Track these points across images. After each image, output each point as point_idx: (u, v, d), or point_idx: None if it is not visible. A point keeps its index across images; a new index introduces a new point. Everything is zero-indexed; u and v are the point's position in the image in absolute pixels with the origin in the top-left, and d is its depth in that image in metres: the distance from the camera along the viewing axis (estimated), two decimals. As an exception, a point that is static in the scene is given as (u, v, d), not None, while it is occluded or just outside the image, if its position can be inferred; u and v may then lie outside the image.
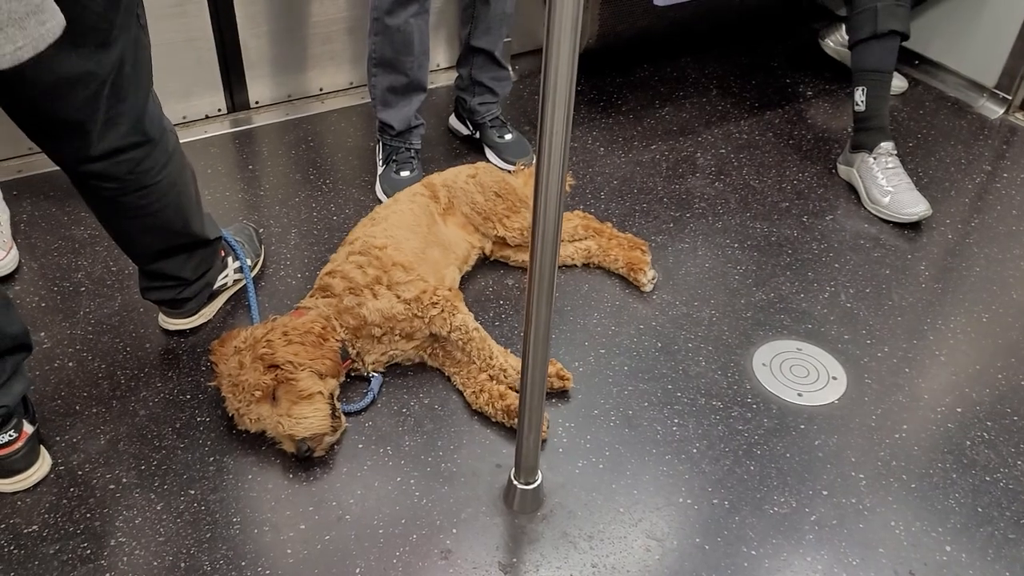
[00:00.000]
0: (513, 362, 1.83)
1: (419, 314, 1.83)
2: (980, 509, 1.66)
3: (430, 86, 2.44)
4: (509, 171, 2.44)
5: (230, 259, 2.03)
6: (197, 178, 1.84)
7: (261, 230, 2.28)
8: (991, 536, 1.61)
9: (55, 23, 1.28)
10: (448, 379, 1.90)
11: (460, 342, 1.84)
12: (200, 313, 1.99)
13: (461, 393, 1.86)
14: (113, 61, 1.47)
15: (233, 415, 1.73)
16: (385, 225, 2.01)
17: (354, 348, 1.85)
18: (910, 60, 3.10)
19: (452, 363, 1.90)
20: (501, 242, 2.19)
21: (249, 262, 2.09)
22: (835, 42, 3.07)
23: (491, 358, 1.83)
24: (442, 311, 1.83)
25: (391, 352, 1.89)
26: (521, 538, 1.59)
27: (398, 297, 1.84)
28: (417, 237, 2.01)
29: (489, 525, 1.61)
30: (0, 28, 1.23)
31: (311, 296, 1.91)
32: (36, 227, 2.30)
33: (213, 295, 2.01)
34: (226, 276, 2.02)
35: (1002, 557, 1.58)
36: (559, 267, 2.20)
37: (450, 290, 1.90)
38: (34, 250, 2.23)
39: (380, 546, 1.57)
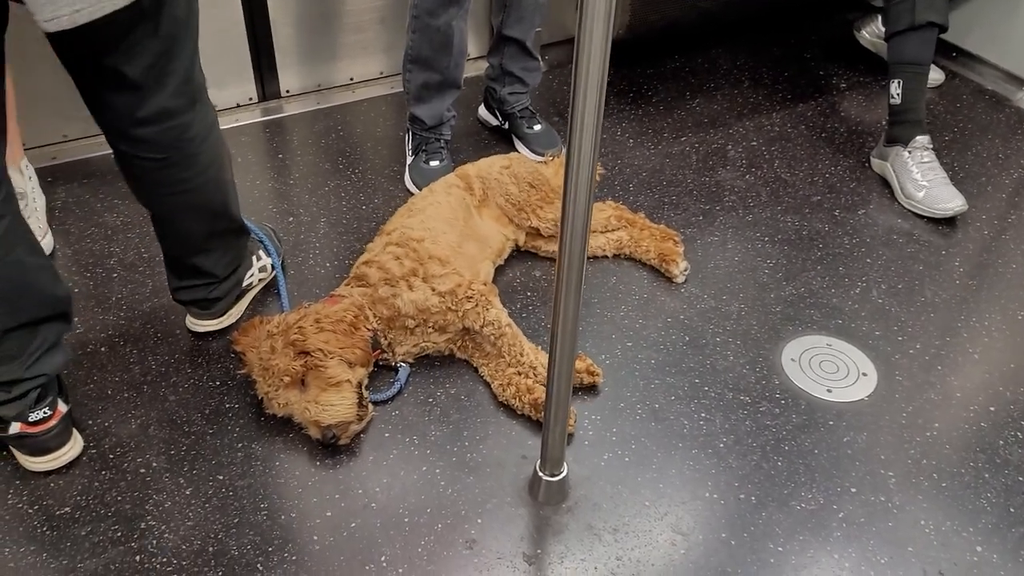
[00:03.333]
0: (543, 359, 1.82)
1: (453, 307, 1.84)
2: (1013, 510, 1.63)
3: (458, 76, 2.44)
4: (539, 162, 2.43)
5: (254, 258, 2.03)
6: (231, 163, 1.85)
7: (284, 229, 2.29)
8: (1023, 537, 1.59)
9: None
10: (475, 370, 1.91)
11: (492, 337, 1.84)
12: (228, 313, 1.99)
13: (487, 384, 1.87)
14: (171, 18, 1.48)
15: (262, 399, 1.75)
16: (422, 217, 2.01)
17: (386, 338, 1.85)
18: (947, 52, 3.04)
19: (481, 355, 1.90)
20: (533, 233, 2.19)
21: (271, 261, 2.09)
22: (871, 33, 3.02)
23: (521, 355, 1.82)
24: (476, 305, 1.84)
25: (423, 344, 1.90)
26: (546, 529, 1.59)
27: (433, 290, 1.84)
28: (454, 230, 2.01)
29: (514, 516, 1.61)
30: None
31: (346, 284, 1.92)
32: (70, 213, 2.33)
33: (241, 294, 2.01)
34: (252, 275, 2.02)
35: (1035, 559, 1.55)
36: (589, 258, 2.20)
37: (485, 284, 1.91)
38: (68, 236, 2.26)
39: (405, 535, 1.58)
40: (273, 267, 2.09)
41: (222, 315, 1.98)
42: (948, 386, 1.89)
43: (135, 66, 1.49)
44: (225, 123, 2.69)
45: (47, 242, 2.18)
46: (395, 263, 1.89)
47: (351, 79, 2.91)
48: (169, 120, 1.59)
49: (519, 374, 1.82)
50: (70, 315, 1.66)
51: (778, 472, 1.70)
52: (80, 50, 1.46)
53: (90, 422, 1.78)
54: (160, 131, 1.59)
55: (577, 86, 1.11)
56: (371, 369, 1.83)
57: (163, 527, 1.59)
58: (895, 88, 2.43)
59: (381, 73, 2.94)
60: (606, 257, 2.23)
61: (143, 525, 1.59)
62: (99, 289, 2.10)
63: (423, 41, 2.27)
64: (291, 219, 2.34)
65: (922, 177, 2.39)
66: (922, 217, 2.38)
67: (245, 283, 2.00)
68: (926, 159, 2.41)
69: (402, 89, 2.45)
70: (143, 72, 1.50)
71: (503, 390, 1.82)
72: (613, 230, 2.23)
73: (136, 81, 1.51)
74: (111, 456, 1.71)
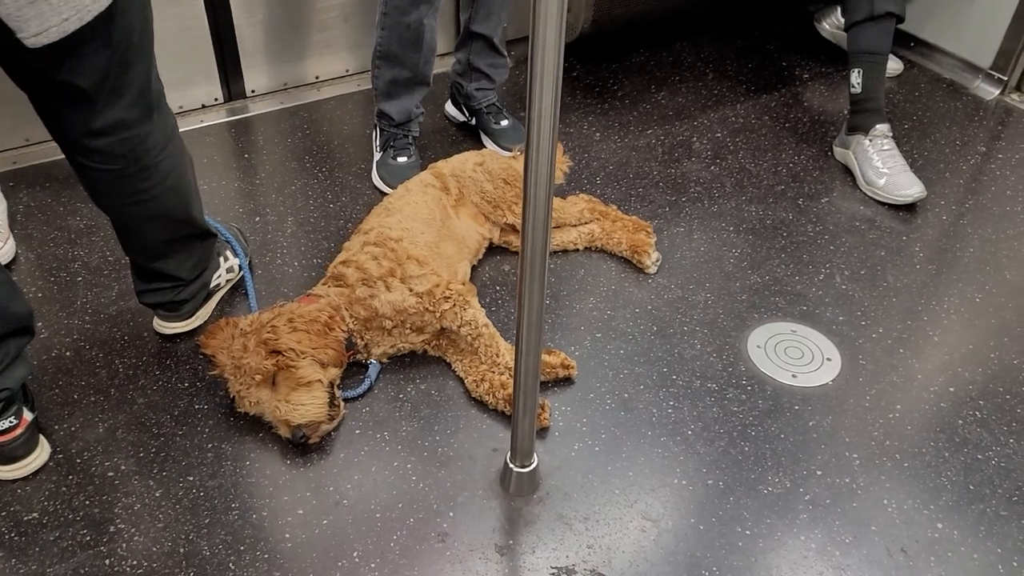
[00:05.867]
0: None
1: (431, 308, 1.84)
2: (972, 487, 1.67)
3: (425, 73, 2.44)
4: (508, 157, 2.44)
5: (221, 258, 2.02)
6: (194, 169, 1.83)
7: (251, 228, 2.28)
8: (983, 513, 1.62)
9: None
10: (446, 365, 1.91)
11: (469, 337, 1.85)
12: (196, 315, 1.98)
13: (459, 379, 1.88)
14: (123, 29, 1.45)
15: (234, 397, 1.74)
16: (400, 217, 2.01)
17: (362, 339, 1.85)
18: (906, 42, 3.09)
19: (455, 351, 1.90)
20: (508, 229, 2.19)
21: (238, 261, 2.07)
22: (831, 24, 3.06)
23: (498, 355, 1.83)
24: (454, 305, 1.84)
25: (400, 344, 1.90)
26: (517, 520, 1.61)
27: (411, 290, 1.84)
28: (432, 231, 2.02)
29: (485, 508, 1.62)
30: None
31: (323, 284, 1.92)
32: (33, 218, 2.31)
33: (208, 295, 2.00)
34: (219, 276, 2.01)
35: (993, 534, 1.59)
36: (562, 252, 2.23)
37: (463, 284, 1.91)
38: (31, 241, 2.23)
39: (377, 530, 1.58)
40: (240, 267, 2.08)
41: (189, 317, 1.96)
42: (910, 369, 1.93)
43: (88, 78, 1.46)
44: (191, 123, 2.68)
45: (9, 248, 2.15)
46: (373, 263, 1.89)
47: (317, 77, 2.90)
48: (125, 131, 1.56)
49: (491, 370, 1.83)
50: (32, 328, 1.64)
51: (745, 457, 1.72)
52: (32, 64, 1.43)
53: (56, 427, 1.76)
54: (116, 142, 1.56)
55: (533, 78, 1.12)
56: (343, 368, 1.83)
57: (133, 530, 1.58)
58: (855, 77, 2.47)
59: (347, 71, 2.93)
60: (577, 250, 2.24)
61: (112, 528, 1.58)
62: (63, 293, 2.08)
63: (393, 38, 2.27)
64: (258, 219, 2.33)
65: (883, 165, 2.43)
66: (883, 204, 2.42)
67: (212, 284, 1.99)
68: (886, 147, 2.45)
69: (368, 86, 2.45)
70: (96, 84, 1.47)
71: (476, 386, 1.83)
72: (586, 223, 2.24)
73: (90, 93, 1.48)
74: (78, 460, 1.70)
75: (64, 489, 1.65)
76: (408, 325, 1.87)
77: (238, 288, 2.10)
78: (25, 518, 1.60)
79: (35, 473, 1.67)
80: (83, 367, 1.90)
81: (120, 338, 1.97)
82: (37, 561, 1.53)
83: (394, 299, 1.84)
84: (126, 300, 2.06)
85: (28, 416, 1.65)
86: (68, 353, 1.93)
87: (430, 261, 1.93)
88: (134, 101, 1.55)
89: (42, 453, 1.69)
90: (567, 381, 1.88)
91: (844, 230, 2.33)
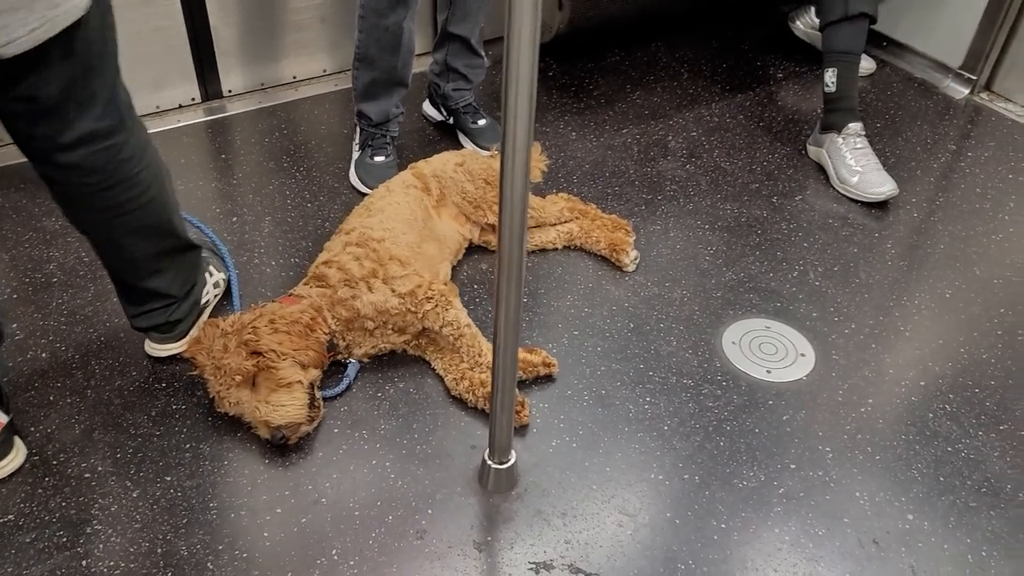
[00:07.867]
0: None
1: (413, 308, 1.84)
2: (942, 479, 1.70)
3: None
4: (486, 156, 2.45)
5: (207, 275, 1.99)
6: (171, 169, 1.81)
7: (228, 228, 2.26)
8: (952, 504, 1.66)
9: (71, 5, 1.30)
10: (425, 363, 1.92)
11: (451, 337, 1.85)
12: (190, 334, 1.93)
13: (437, 377, 1.88)
14: (83, 38, 1.43)
15: (214, 397, 1.74)
16: (381, 217, 2.01)
17: (344, 340, 1.86)
18: (878, 42, 3.13)
19: (434, 350, 1.91)
20: (489, 229, 2.20)
21: (223, 276, 2.06)
22: (805, 24, 3.10)
23: (480, 354, 1.83)
24: (436, 306, 1.84)
25: (381, 344, 1.91)
26: (496, 517, 1.62)
27: (393, 291, 1.85)
28: (413, 231, 2.02)
29: (464, 505, 1.63)
30: (13, 10, 1.25)
31: (305, 284, 1.91)
32: (7, 218, 2.29)
33: (199, 313, 1.96)
34: (207, 292, 1.98)
35: (963, 525, 1.62)
36: (540, 250, 2.24)
37: (445, 284, 1.92)
38: (5, 241, 2.22)
39: (356, 528, 1.59)
40: (227, 280, 2.06)
41: (183, 337, 1.91)
42: (881, 363, 1.96)
43: (51, 91, 1.42)
44: (167, 123, 2.67)
45: (-17, 248, 2.14)
46: (355, 264, 1.88)
47: (294, 77, 2.89)
48: (98, 143, 1.53)
49: (472, 369, 1.84)
50: (3, 334, 1.62)
51: (720, 452, 1.75)
52: None
53: (32, 429, 1.75)
54: (90, 154, 1.53)
55: (508, 78, 1.13)
56: (324, 369, 1.83)
57: (110, 531, 1.58)
58: (829, 76, 2.51)
59: (324, 71, 2.93)
60: (556, 249, 2.26)
61: (89, 530, 1.58)
62: (38, 294, 2.07)
63: (371, 40, 2.28)
64: (235, 219, 2.32)
65: (855, 163, 2.46)
66: (856, 201, 2.45)
67: (203, 300, 1.97)
68: (859, 145, 2.48)
69: (346, 86, 2.45)
70: (60, 96, 1.44)
71: (456, 384, 1.83)
72: (566, 222, 2.26)
73: (54, 107, 1.45)
74: (55, 462, 1.69)
75: (40, 491, 1.64)
76: (390, 326, 1.87)
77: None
78: (1, 520, 1.59)
79: (11, 475, 1.66)
80: (59, 369, 1.89)
81: (96, 339, 1.96)
82: (13, 563, 1.52)
83: (376, 300, 1.84)
84: (102, 301, 2.05)
85: (3, 418, 1.64)
86: (44, 355, 1.92)
87: (412, 262, 1.93)
88: (103, 111, 1.52)
89: (18, 455, 1.68)
90: (547, 379, 1.89)
91: (817, 227, 2.36)
